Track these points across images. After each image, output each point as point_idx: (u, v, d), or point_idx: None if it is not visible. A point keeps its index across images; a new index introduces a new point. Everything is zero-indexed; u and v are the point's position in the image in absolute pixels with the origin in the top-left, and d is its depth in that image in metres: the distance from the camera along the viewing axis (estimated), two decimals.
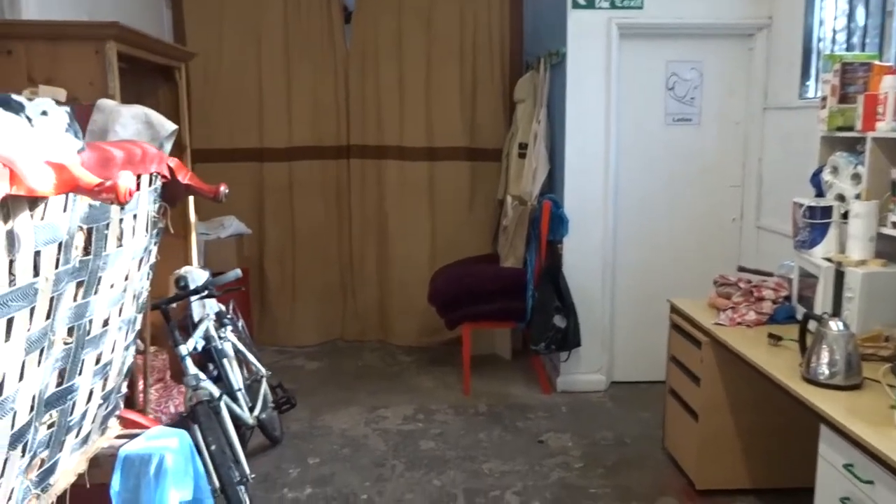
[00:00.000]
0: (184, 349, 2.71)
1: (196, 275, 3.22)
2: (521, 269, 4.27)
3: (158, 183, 1.94)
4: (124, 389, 2.09)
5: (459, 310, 4.22)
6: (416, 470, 3.38)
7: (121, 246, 1.71)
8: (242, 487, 2.62)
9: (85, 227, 1.51)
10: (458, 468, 3.40)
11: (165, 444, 1.98)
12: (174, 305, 2.83)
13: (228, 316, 3.56)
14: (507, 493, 3.18)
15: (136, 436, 2.04)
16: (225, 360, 3.24)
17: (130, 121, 2.45)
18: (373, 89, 5.11)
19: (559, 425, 3.87)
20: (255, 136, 5.13)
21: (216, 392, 2.70)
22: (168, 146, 2.59)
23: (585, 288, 4.23)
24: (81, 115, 2.50)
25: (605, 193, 4.22)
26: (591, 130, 4.16)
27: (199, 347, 2.95)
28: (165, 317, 2.73)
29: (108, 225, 1.61)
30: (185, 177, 1.99)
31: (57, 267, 1.40)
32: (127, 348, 1.97)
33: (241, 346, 3.49)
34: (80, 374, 1.65)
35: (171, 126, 2.53)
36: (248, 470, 2.61)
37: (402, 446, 3.62)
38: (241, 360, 3.56)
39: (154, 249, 2.06)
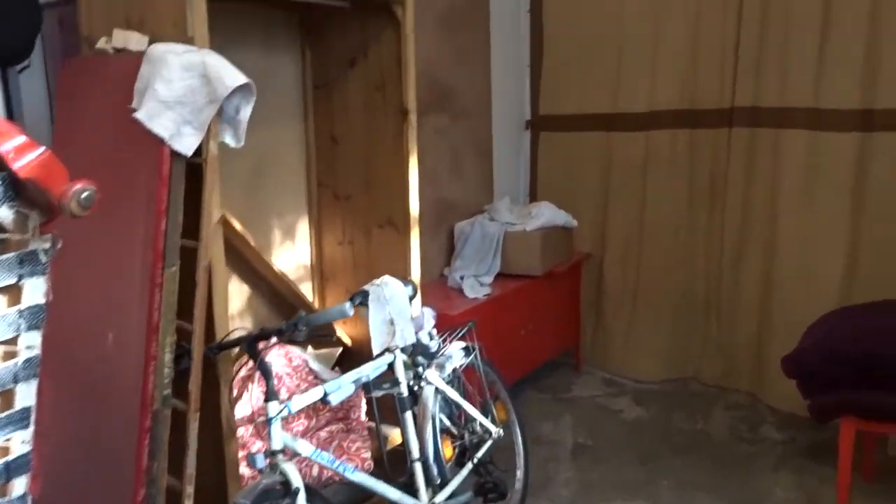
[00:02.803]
0: (273, 407, 1.87)
1: (391, 291, 2.35)
2: None
3: None
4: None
5: (836, 391, 2.42)
6: None
7: None
8: None
9: None
10: None
11: None
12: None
13: (463, 346, 2.61)
14: None
15: None
16: (407, 415, 2.31)
17: (180, 74, 1.68)
18: (779, 17, 3.38)
19: None
20: (608, 97, 3.93)
21: (296, 482, 1.80)
22: (245, 111, 1.75)
23: None
24: (131, 68, 1.83)
25: None
26: None
27: (335, 400, 2.07)
28: (252, 356, 1.92)
29: None
30: (27, 167, 1.11)
31: None
32: None
33: (452, 395, 2.50)
34: None
35: (234, 81, 1.69)
36: None
37: None
38: (461, 414, 2.58)
39: (27, 285, 1.23)
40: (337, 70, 2.68)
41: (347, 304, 1.93)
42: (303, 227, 2.85)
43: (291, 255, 2.82)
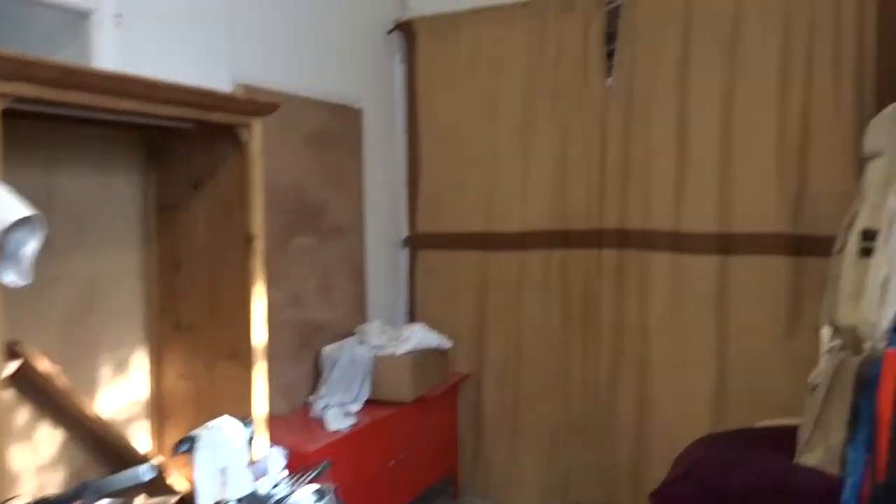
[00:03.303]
0: None
1: (225, 434, 2.12)
2: (830, 478, 2.20)
3: None
4: None
5: None
6: None
7: None
8: None
9: None
10: None
11: None
12: None
13: (315, 489, 2.36)
14: None
15: None
16: None
17: None
18: (640, 146, 3.52)
19: None
20: (483, 216, 3.92)
21: None
22: (31, 246, 1.55)
23: None
24: None
25: None
26: None
27: None
28: None
29: None
30: None
31: None
32: None
33: None
34: None
35: (14, 214, 1.49)
36: None
37: None
38: None
39: None
40: (182, 192, 2.52)
41: (144, 468, 1.69)
42: (139, 361, 2.58)
43: (125, 392, 2.54)
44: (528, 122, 3.76)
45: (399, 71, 4.17)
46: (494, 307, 3.88)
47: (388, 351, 3.39)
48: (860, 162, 2.84)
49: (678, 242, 3.43)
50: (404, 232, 4.22)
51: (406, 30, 4.06)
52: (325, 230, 3.54)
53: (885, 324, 2.26)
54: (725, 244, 3.33)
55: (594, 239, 3.67)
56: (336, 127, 3.62)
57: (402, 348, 3.39)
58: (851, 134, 3.04)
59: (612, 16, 3.57)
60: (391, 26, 4.06)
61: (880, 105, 2.87)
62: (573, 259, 3.72)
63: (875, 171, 2.64)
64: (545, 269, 3.75)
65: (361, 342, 3.46)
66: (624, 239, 3.59)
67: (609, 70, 3.60)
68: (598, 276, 3.66)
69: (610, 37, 3.58)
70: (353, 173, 3.79)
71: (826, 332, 2.47)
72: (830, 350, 2.35)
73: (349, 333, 3.61)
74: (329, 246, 3.57)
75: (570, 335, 3.71)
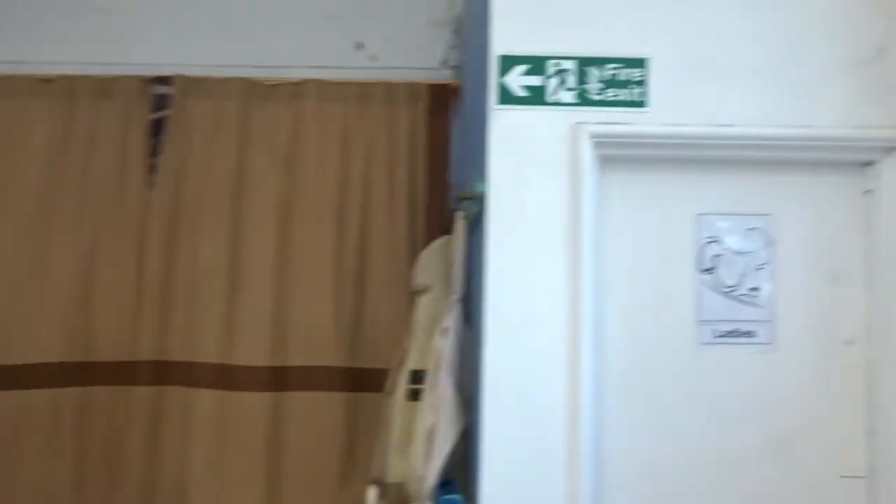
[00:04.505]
0: None
1: None
2: None
3: None
4: None
5: None
6: None
7: None
8: None
9: None
10: None
11: None
12: None
13: None
14: None
15: None
16: None
17: None
18: (186, 266, 2.97)
19: None
20: None
21: None
22: None
23: None
24: None
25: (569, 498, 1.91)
26: (536, 355, 1.94)
27: None
28: None
29: None
30: None
31: None
32: None
33: None
34: None
35: None
36: None
37: None
38: None
39: None
40: None
41: None
42: None
43: None
44: (44, 224, 2.96)
45: None
46: None
47: None
48: (413, 296, 2.73)
49: (227, 377, 2.92)
50: None
51: None
52: None
53: (431, 479, 2.04)
54: (280, 378, 2.93)
55: (125, 373, 2.94)
56: None
57: None
58: (405, 265, 2.95)
59: (158, 125, 3.06)
60: None
61: (430, 238, 2.84)
62: (95, 399, 2.93)
63: (423, 308, 2.54)
64: (56, 413, 2.88)
65: None
66: (163, 373, 2.95)
67: (152, 178, 3.04)
68: (128, 420, 2.92)
69: (154, 148, 3.05)
70: None
71: (372, 494, 2.17)
72: None
73: None
74: None
75: (84, 502, 2.87)
